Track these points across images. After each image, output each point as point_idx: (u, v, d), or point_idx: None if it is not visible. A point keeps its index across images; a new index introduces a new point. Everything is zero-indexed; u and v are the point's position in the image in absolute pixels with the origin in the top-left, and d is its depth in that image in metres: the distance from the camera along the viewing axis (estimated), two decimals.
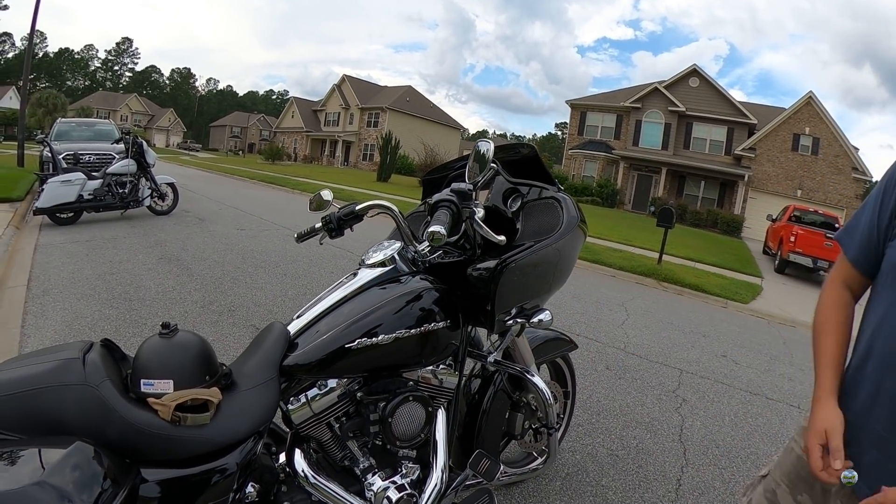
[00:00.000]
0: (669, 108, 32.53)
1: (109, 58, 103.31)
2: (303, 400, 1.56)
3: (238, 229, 9.08)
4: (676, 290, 9.77)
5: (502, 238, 1.74)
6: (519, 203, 2.03)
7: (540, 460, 2.62)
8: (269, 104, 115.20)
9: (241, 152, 73.36)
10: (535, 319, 1.94)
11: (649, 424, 3.82)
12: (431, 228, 1.58)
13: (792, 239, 14.39)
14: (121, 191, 9.28)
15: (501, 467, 2.20)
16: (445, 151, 33.46)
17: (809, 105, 30.05)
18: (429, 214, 1.80)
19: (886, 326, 1.17)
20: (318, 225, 1.97)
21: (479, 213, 1.79)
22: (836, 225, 15.91)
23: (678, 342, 6.13)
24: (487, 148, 1.81)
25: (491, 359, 2.09)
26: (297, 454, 1.57)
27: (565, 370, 2.85)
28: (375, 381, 1.67)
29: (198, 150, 68.31)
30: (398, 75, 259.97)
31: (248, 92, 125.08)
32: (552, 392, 2.30)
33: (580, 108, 36.41)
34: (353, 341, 1.54)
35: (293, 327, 1.60)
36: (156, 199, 10.02)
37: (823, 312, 1.36)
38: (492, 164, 1.84)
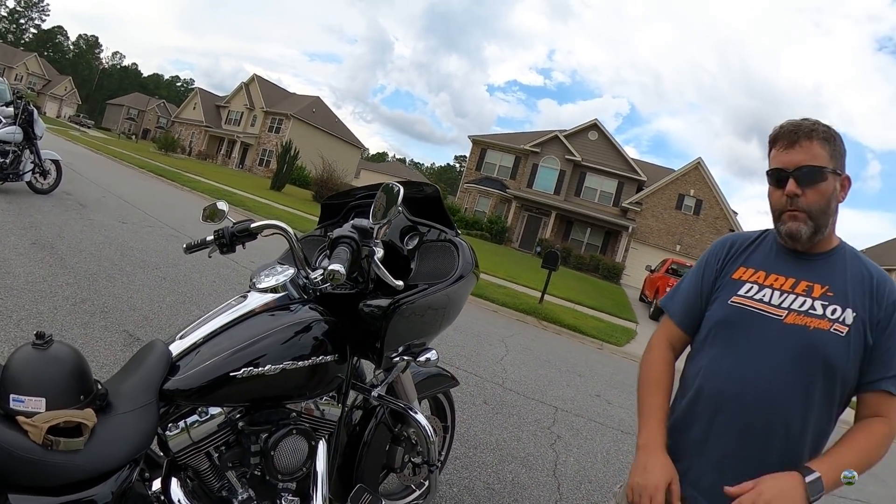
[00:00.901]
0: (566, 157, 34.03)
1: (18, 8, 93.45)
2: (182, 427, 1.46)
3: (120, 222, 8.37)
4: (555, 330, 10.02)
5: (400, 283, 1.74)
6: (416, 241, 2.03)
7: (418, 493, 2.55)
8: (172, 91, 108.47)
9: (134, 137, 68.58)
10: (421, 358, 1.91)
11: (525, 459, 3.80)
12: (332, 267, 1.55)
13: (668, 289, 15.25)
14: (1, 160, 8.30)
15: (383, 502, 2.14)
16: (343, 169, 33.01)
17: (697, 170, 32.61)
18: (328, 248, 1.78)
19: (711, 373, 1.46)
20: (210, 238, 1.86)
21: (379, 253, 1.79)
22: None
23: (554, 380, 6.22)
24: (398, 191, 1.78)
25: (375, 393, 2.04)
26: (174, 483, 1.48)
27: (445, 405, 2.80)
28: (258, 412, 1.61)
29: (90, 127, 62.52)
30: (308, 84, 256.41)
31: (154, 74, 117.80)
32: (433, 428, 2.27)
33: (481, 145, 37.33)
34: (239, 370, 1.47)
35: (176, 348, 1.50)
36: (38, 175, 8.95)
37: (654, 369, 1.60)
38: (399, 210, 1.80)
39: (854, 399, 1.44)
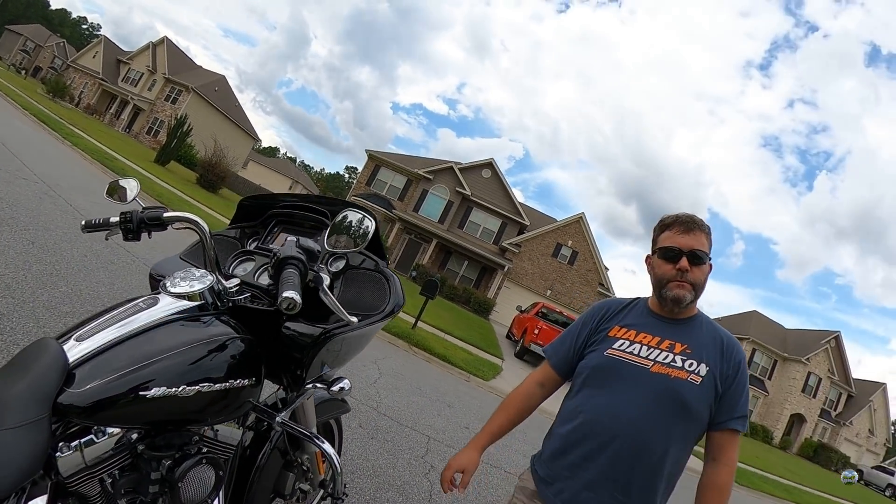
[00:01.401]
0: (457, 189, 34.67)
1: None
2: (74, 447, 1.24)
3: None
4: (425, 357, 10.09)
5: (354, 320, 1.60)
6: (342, 265, 1.92)
7: None
8: (75, 32, 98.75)
9: (24, 72, 61.58)
10: (335, 388, 1.79)
11: (401, 488, 3.78)
12: (287, 294, 1.40)
13: (536, 331, 15.91)
14: None
15: None
16: (233, 157, 31.59)
17: (578, 223, 34.52)
18: (274, 269, 1.60)
19: (589, 408, 1.76)
20: (115, 220, 1.68)
21: (326, 280, 1.64)
22: None
23: (426, 408, 6.25)
24: (370, 225, 1.69)
25: (279, 419, 1.86)
26: None
27: (335, 431, 2.71)
28: (160, 434, 1.42)
29: None
30: (217, 60, 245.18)
31: (61, 8, 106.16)
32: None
33: (377, 161, 37.20)
34: (150, 388, 1.28)
35: (71, 351, 1.27)
36: None
37: (510, 397, 2.01)
38: (362, 251, 1.76)
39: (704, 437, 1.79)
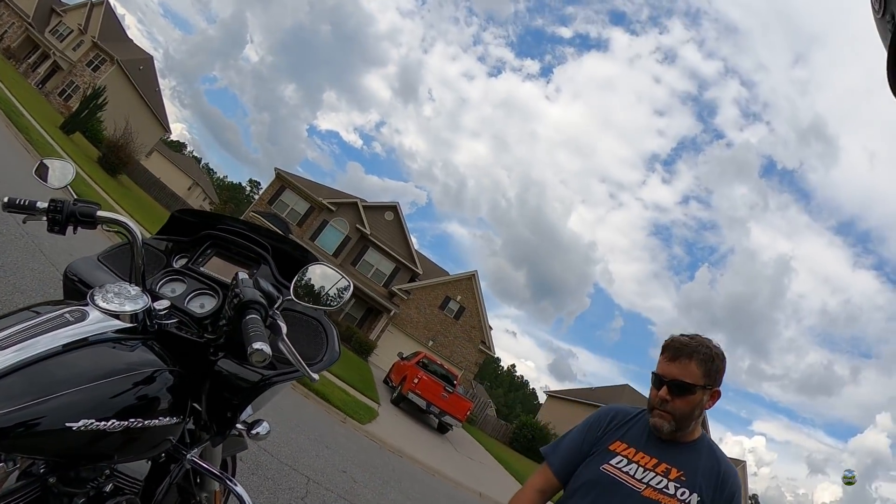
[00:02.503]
0: (357, 225, 34.51)
1: None
2: None
3: None
4: (303, 392, 9.77)
5: (316, 377, 1.50)
6: (277, 303, 1.78)
7: None
8: None
9: None
10: (254, 431, 1.69)
11: None
12: (257, 345, 1.26)
13: (416, 380, 15.88)
14: None
15: None
16: (140, 144, 29.72)
17: (470, 281, 35.25)
18: (236, 312, 1.45)
19: None
20: (43, 205, 1.54)
21: (284, 328, 1.52)
22: (455, 381, 18.04)
23: (305, 448, 6.05)
24: (349, 290, 1.66)
25: (190, 456, 1.68)
26: None
27: (230, 467, 2.52)
28: (71, 467, 1.28)
29: None
30: (148, 38, 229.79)
31: None
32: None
33: (284, 181, 36.29)
34: (77, 420, 1.12)
35: None
36: None
37: (514, 501, 1.95)
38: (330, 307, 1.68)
39: None
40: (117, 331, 1.36)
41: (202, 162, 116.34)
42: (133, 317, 1.41)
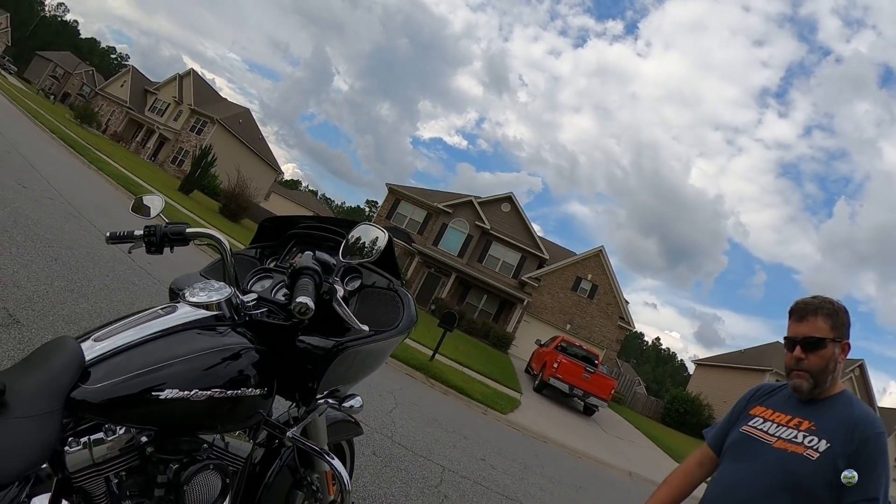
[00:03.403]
0: (476, 223, 34.78)
1: None
2: (83, 443, 1.25)
3: (20, 184, 7.65)
4: (443, 389, 10.01)
5: (365, 328, 1.64)
6: (357, 284, 1.97)
7: None
8: (104, 61, 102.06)
9: (53, 97, 62.80)
10: (346, 404, 1.82)
11: None
12: (300, 299, 1.46)
13: (555, 365, 15.71)
14: None
15: None
16: (256, 188, 32.03)
17: (598, 257, 34.34)
18: (290, 278, 1.66)
19: (716, 481, 1.91)
20: (139, 233, 1.75)
21: (340, 291, 1.72)
22: (596, 361, 17.69)
23: (441, 439, 6.19)
24: (383, 239, 1.76)
25: (290, 433, 1.85)
26: None
27: (347, 454, 2.66)
28: (169, 438, 1.42)
29: (11, 73, 57.82)
30: (241, 93, 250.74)
31: (91, 38, 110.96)
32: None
33: (397, 194, 37.50)
34: (162, 390, 1.30)
35: (89, 350, 1.30)
36: None
37: (675, 473, 2.10)
38: (371, 266, 1.84)
39: None
40: (205, 319, 1.53)
41: (319, 194, 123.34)
42: (221, 308, 1.57)
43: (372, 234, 1.76)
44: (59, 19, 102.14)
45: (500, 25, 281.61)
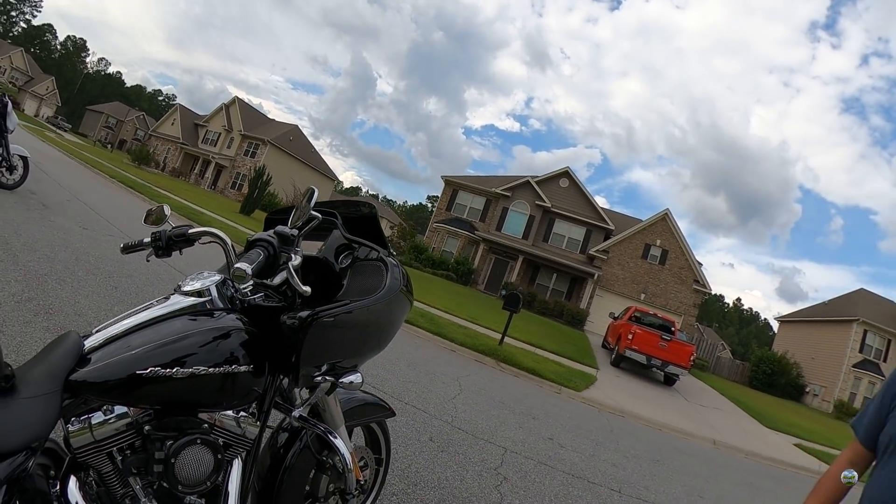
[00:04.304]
0: (536, 202, 34.36)
1: (10, 0, 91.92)
2: (85, 423, 1.40)
3: (81, 227, 8.05)
4: (513, 372, 9.87)
5: (307, 289, 1.65)
6: (350, 260, 2.01)
7: None
8: (152, 104, 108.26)
9: (109, 146, 67.37)
10: (344, 380, 1.81)
11: (467, 499, 3.63)
12: (237, 265, 1.51)
13: (630, 336, 15.30)
14: None
15: None
16: (315, 199, 32.83)
17: (664, 221, 33.25)
18: (244, 251, 1.72)
19: (872, 487, 1.58)
20: (147, 240, 1.87)
21: (296, 260, 1.72)
22: (672, 328, 17.13)
23: (506, 421, 6.06)
24: (311, 194, 1.79)
25: (296, 413, 1.92)
26: (72, 483, 1.40)
27: (380, 437, 2.68)
28: (167, 417, 1.52)
29: (66, 130, 61.66)
30: (289, 112, 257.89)
31: (136, 85, 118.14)
32: (363, 458, 2.33)
33: (454, 185, 37.52)
34: (146, 369, 1.40)
35: (90, 341, 1.44)
36: (3, 169, 8.69)
37: (823, 480, 1.77)
38: (316, 214, 1.83)
39: None
40: (198, 305, 1.60)
41: (380, 196, 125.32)
42: (211, 293, 1.64)
43: (307, 193, 1.80)
44: (103, 73, 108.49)
45: (531, 2, 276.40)
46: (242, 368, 1.57)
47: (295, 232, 1.78)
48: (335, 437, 1.98)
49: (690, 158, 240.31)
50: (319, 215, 1.88)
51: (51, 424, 1.28)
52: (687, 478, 6.40)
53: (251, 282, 1.70)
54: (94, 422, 1.40)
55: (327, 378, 1.79)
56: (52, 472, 1.42)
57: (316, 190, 1.82)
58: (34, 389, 1.27)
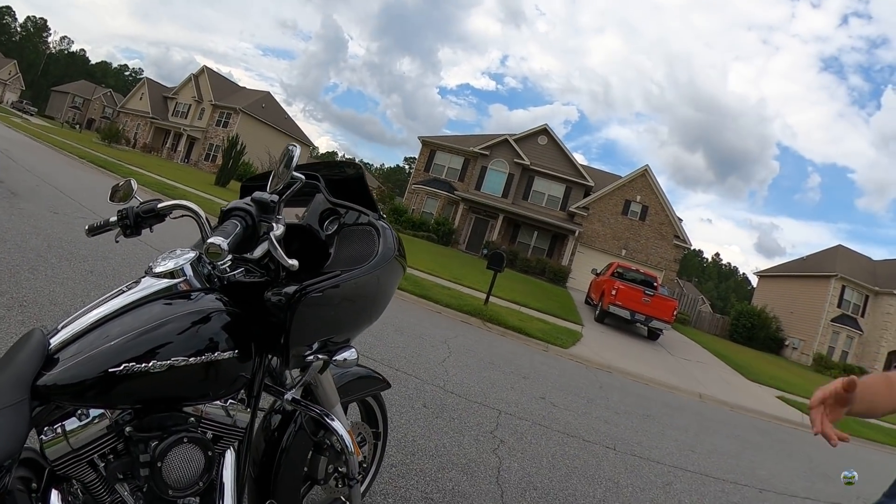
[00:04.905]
0: (515, 160, 34.15)
1: None
2: (59, 431, 1.23)
3: (52, 212, 7.75)
4: (500, 332, 9.85)
5: (294, 262, 1.47)
6: (336, 226, 1.85)
7: None
8: (119, 80, 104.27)
9: (78, 126, 65.01)
10: (338, 357, 1.69)
11: (466, 466, 3.56)
12: (211, 239, 1.32)
13: (613, 292, 15.39)
14: None
15: None
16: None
17: (644, 177, 33.31)
18: (218, 223, 1.54)
19: None
20: (113, 219, 1.69)
21: (278, 230, 1.54)
22: (655, 283, 17.28)
23: (498, 382, 6.02)
24: (296, 154, 1.56)
25: (288, 396, 1.76)
26: (54, 497, 1.24)
27: (376, 410, 2.56)
28: (149, 415, 1.36)
29: (32, 115, 59.76)
30: (260, 79, 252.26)
31: (102, 62, 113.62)
32: (361, 435, 2.23)
33: (431, 146, 37.11)
34: (120, 365, 1.23)
35: (56, 339, 1.27)
36: None
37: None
38: (298, 176, 1.61)
39: None
40: (171, 287, 1.43)
41: (357, 160, 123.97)
42: (186, 272, 1.47)
43: (289, 153, 1.56)
44: (66, 52, 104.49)
45: None
46: (227, 354, 1.43)
47: (275, 198, 1.58)
48: (332, 420, 1.84)
49: (668, 115, 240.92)
50: (302, 177, 1.66)
51: (21, 439, 1.12)
52: (677, 432, 6.45)
53: (229, 258, 1.55)
54: (68, 429, 1.24)
55: (319, 356, 1.66)
56: (34, 485, 1.27)
57: (296, 148, 1.59)
58: None
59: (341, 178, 1.98)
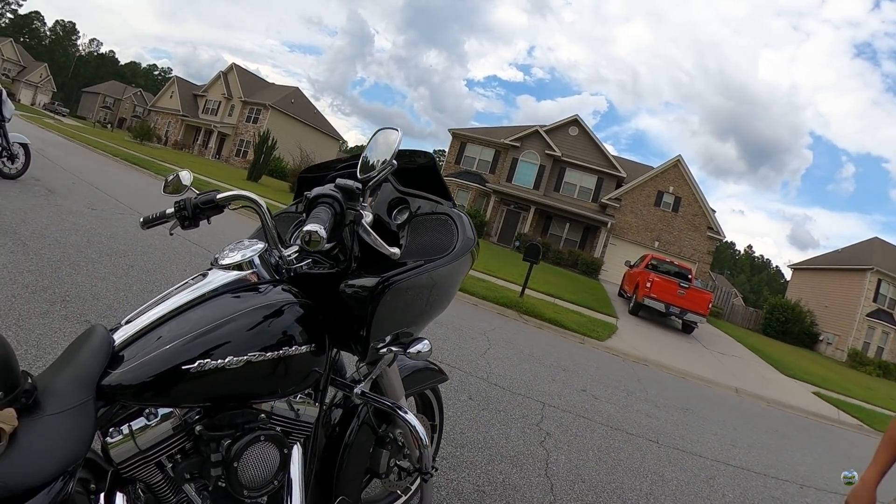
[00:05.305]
0: (546, 152, 33.95)
1: None
2: (125, 432, 1.19)
3: (89, 208, 7.99)
4: (536, 324, 9.89)
5: (396, 251, 1.46)
6: (406, 216, 1.78)
7: (404, 499, 2.37)
8: (149, 79, 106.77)
9: (109, 125, 67.01)
10: (412, 350, 1.65)
11: (515, 458, 3.64)
12: (308, 227, 1.27)
13: (648, 285, 15.28)
14: None
15: None
16: (321, 159, 32.75)
17: (676, 167, 32.83)
18: (305, 211, 1.49)
19: None
20: (170, 210, 1.63)
21: (368, 217, 1.51)
22: (689, 276, 17.14)
23: (539, 375, 6.08)
24: (396, 138, 1.53)
25: (358, 390, 1.75)
26: (119, 500, 1.20)
27: (433, 402, 2.56)
28: (219, 413, 1.33)
29: (65, 115, 61.15)
30: (287, 75, 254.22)
31: (130, 62, 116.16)
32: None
33: (461, 138, 37.08)
34: (193, 361, 1.20)
35: (120, 335, 1.24)
36: (4, 159, 8.55)
37: (880, 447, 1.80)
38: (393, 162, 1.55)
39: None
40: (239, 280, 1.41)
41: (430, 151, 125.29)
42: (255, 264, 1.45)
43: (386, 138, 1.56)
44: (96, 54, 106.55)
45: None
46: (303, 349, 1.40)
47: (359, 185, 1.54)
48: (406, 414, 1.82)
49: (698, 104, 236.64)
50: (395, 162, 1.59)
51: (87, 442, 1.08)
52: (716, 426, 6.45)
53: (296, 248, 1.57)
54: (135, 429, 1.21)
55: (393, 349, 1.62)
56: (93, 486, 1.22)
57: (399, 132, 1.57)
58: (62, 402, 1.07)
59: (412, 167, 1.92)
